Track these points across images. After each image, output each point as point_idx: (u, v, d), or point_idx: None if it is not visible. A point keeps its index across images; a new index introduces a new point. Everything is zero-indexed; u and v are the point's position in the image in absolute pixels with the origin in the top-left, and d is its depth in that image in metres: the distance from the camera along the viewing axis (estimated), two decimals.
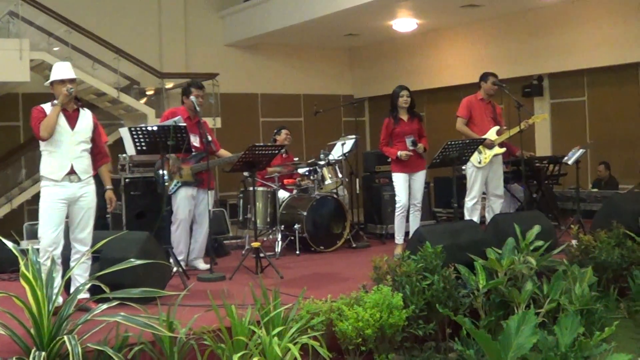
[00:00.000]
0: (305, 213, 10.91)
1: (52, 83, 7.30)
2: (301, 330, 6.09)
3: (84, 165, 7.29)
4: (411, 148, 10.13)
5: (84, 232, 7.31)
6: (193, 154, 9.43)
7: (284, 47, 20.52)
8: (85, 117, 7.41)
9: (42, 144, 7.22)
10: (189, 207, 9.58)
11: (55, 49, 15.89)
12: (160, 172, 9.21)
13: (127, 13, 18.32)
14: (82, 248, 7.26)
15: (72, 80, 7.25)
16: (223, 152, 9.87)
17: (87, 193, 7.30)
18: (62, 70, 7.29)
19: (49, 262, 6.56)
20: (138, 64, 16.68)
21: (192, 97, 9.53)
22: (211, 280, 8.80)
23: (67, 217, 7.32)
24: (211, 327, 5.99)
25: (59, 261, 6.92)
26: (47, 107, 7.23)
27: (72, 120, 7.26)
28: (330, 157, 11.81)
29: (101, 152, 7.68)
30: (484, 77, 10.54)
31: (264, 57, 20.41)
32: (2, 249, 6.60)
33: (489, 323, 7.07)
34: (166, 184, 9.25)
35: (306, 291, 6.82)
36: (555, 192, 13.64)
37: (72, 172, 7.18)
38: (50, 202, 7.13)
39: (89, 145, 7.40)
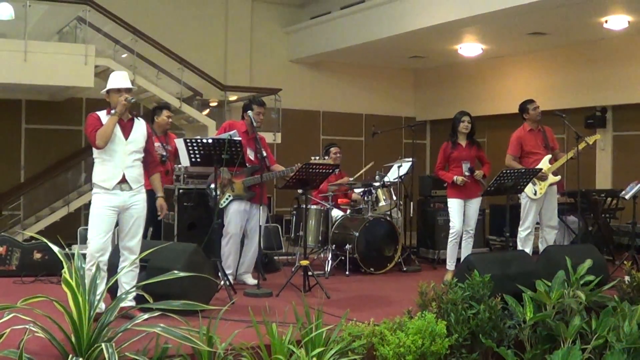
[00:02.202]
0: (357, 234, 10.87)
1: (108, 92, 7.35)
2: (341, 353, 6.03)
3: (135, 174, 7.33)
4: (467, 174, 10.06)
5: (133, 241, 7.36)
6: (245, 168, 9.44)
7: (348, 66, 20.50)
8: (140, 127, 7.45)
9: (95, 152, 7.28)
10: (241, 222, 9.58)
11: (121, 56, 16.03)
12: (212, 185, 9.25)
13: (194, 24, 18.45)
14: (130, 256, 7.29)
15: (128, 90, 7.31)
16: (276, 167, 9.86)
17: (137, 202, 7.34)
18: (119, 79, 7.34)
19: (94, 268, 6.59)
20: (202, 75, 16.74)
21: (249, 112, 9.55)
22: (257, 295, 8.80)
23: (117, 224, 7.37)
24: (250, 343, 5.97)
25: (104, 267, 6.97)
26: (102, 115, 7.28)
27: (127, 130, 7.31)
28: (386, 178, 11.77)
29: (154, 161, 7.73)
30: (523, 109, 10.43)
31: (328, 74, 20.41)
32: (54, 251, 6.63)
33: (534, 356, 6.96)
34: (218, 197, 9.28)
35: (350, 313, 6.78)
36: (612, 226, 13.42)
37: (123, 180, 7.23)
38: (101, 209, 7.18)
39: (142, 155, 7.44)
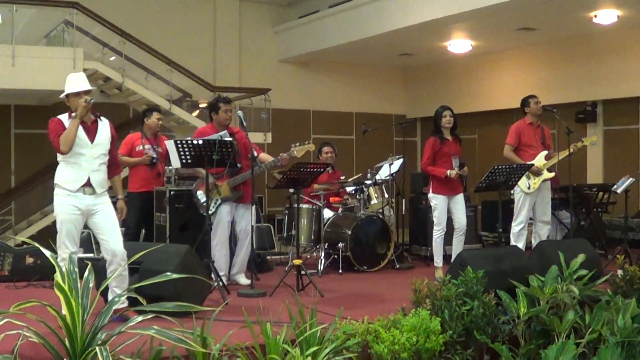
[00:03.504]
0: (349, 232, 10.88)
1: (67, 96, 7.22)
2: (336, 351, 6.02)
3: (99, 178, 7.25)
4: (456, 169, 10.06)
5: (112, 243, 7.24)
6: (226, 169, 9.35)
7: (338, 65, 20.49)
8: (104, 129, 7.36)
9: (59, 156, 7.19)
10: (228, 226, 9.57)
11: (110, 59, 16.00)
12: (199, 192, 9.26)
13: (182, 26, 18.40)
14: (114, 259, 7.20)
15: (87, 92, 7.16)
16: (264, 156, 9.79)
17: (102, 203, 7.26)
18: (76, 81, 7.23)
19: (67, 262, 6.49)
20: (191, 76, 16.72)
21: (239, 113, 9.52)
22: (251, 296, 8.79)
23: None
24: (245, 344, 5.96)
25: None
26: (64, 118, 7.18)
27: (91, 133, 7.22)
28: (377, 177, 11.77)
29: (115, 162, 7.63)
30: (525, 103, 10.49)
31: (318, 73, 20.40)
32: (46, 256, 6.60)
33: (529, 351, 6.97)
34: (204, 204, 9.28)
35: (344, 311, 6.77)
36: (604, 220, 13.44)
37: (87, 184, 7.16)
38: (66, 214, 7.14)
39: (107, 158, 7.37)
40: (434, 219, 10.28)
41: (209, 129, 9.67)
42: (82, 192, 7.15)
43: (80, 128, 7.12)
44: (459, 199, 10.27)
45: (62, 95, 7.31)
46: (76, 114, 7.07)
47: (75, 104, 7.11)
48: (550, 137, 10.57)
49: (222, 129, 9.59)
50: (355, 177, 12.93)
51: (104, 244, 7.28)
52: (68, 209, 7.13)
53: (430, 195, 10.28)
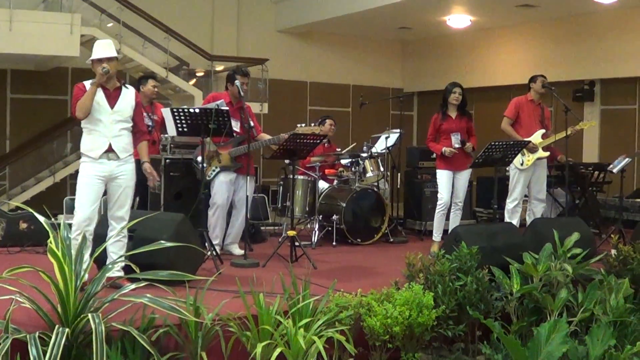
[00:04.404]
0: (344, 204, 10.87)
1: (92, 62, 7.25)
2: (328, 324, 6.04)
3: (122, 143, 7.26)
4: (457, 146, 10.04)
5: (122, 210, 7.31)
6: (232, 138, 9.40)
7: (336, 37, 20.39)
8: (127, 96, 7.35)
9: (82, 121, 7.21)
10: (227, 193, 9.58)
11: (107, 25, 15.91)
12: (199, 158, 9.23)
13: None
14: (119, 226, 7.25)
15: (110, 59, 7.17)
16: (263, 136, 9.82)
17: (125, 171, 7.29)
18: (100, 48, 7.23)
19: (80, 238, 6.55)
20: (188, 45, 16.62)
21: (236, 82, 9.50)
22: (244, 266, 8.80)
23: (105, 194, 7.32)
24: (237, 314, 5.97)
25: (90, 238, 6.91)
26: (88, 84, 7.19)
27: (113, 99, 7.22)
28: (373, 149, 11.75)
29: (140, 130, 7.63)
30: (533, 78, 10.45)
31: (316, 45, 20.31)
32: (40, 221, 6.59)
33: (521, 328, 6.98)
34: (205, 169, 9.27)
35: (337, 283, 6.80)
36: (599, 199, 13.44)
37: (110, 150, 7.16)
38: (88, 179, 7.13)
39: (129, 124, 7.37)
40: (438, 194, 10.27)
41: (223, 96, 9.69)
42: (105, 159, 7.18)
43: (102, 94, 7.16)
44: (463, 174, 10.27)
45: (87, 61, 7.34)
46: (94, 80, 7.10)
47: (96, 70, 7.13)
48: (549, 118, 10.57)
49: (235, 99, 9.59)
50: (350, 146, 12.92)
51: (113, 209, 7.30)
52: (91, 179, 7.15)
53: (437, 170, 10.31)
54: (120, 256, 6.86)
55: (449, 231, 9.15)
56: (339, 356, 6.09)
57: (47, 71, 16.77)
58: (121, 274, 6.99)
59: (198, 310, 5.77)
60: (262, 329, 5.83)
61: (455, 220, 10.23)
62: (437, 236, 10.29)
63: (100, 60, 7.14)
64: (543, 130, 10.23)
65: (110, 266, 6.22)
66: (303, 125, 9.68)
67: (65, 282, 5.39)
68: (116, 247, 7.22)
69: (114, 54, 7.26)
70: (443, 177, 10.19)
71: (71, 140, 16.29)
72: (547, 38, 17.32)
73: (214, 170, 9.49)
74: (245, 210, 9.48)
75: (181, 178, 10.12)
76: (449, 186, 10.18)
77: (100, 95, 7.13)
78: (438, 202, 10.25)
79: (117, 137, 7.22)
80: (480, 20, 17.48)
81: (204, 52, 16.90)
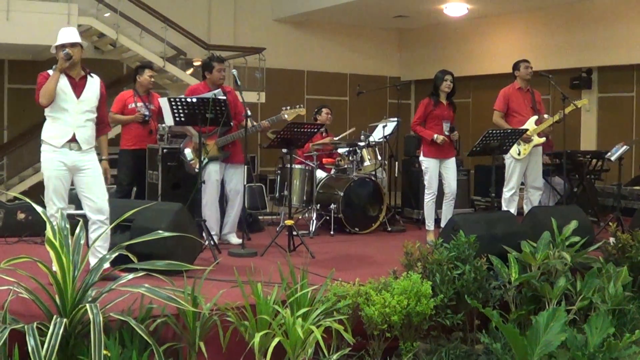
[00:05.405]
0: (342, 193, 10.85)
1: (56, 49, 7.09)
2: (326, 313, 6.03)
3: (86, 135, 7.11)
4: (447, 133, 10.02)
5: (98, 201, 7.12)
6: (215, 127, 9.28)
7: (333, 25, 20.40)
8: (93, 85, 7.22)
9: (46, 110, 7.09)
10: (217, 184, 9.52)
11: (104, 15, 15.90)
12: (186, 151, 9.21)
13: None
14: (98, 217, 7.11)
15: (74, 45, 7.03)
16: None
17: (89, 161, 7.13)
18: (64, 34, 7.08)
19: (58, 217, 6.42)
20: (185, 34, 16.64)
21: (233, 72, 9.47)
22: (242, 255, 8.77)
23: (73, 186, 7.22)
24: (235, 303, 5.96)
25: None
26: (51, 73, 7.06)
27: (79, 88, 7.09)
28: (371, 138, 11.73)
29: (103, 121, 7.49)
30: (516, 65, 10.44)
31: (312, 34, 20.31)
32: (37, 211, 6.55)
33: (519, 317, 6.97)
34: (192, 162, 9.26)
35: (335, 273, 6.78)
36: (597, 187, 13.43)
37: (73, 140, 7.03)
38: (52, 170, 7.01)
39: (94, 115, 7.23)
40: (425, 183, 10.25)
41: (202, 87, 9.62)
42: (67, 148, 7.02)
43: (68, 83, 7.03)
44: (450, 163, 10.21)
45: (51, 49, 7.17)
46: (55, 67, 6.99)
47: (59, 57, 7.01)
48: (541, 101, 10.50)
49: (215, 87, 9.52)
50: (347, 132, 12.90)
51: (88, 202, 7.11)
52: (54, 164, 7.01)
53: (422, 158, 10.24)
54: (118, 246, 6.81)
55: (444, 221, 9.16)
56: (337, 345, 6.08)
57: (45, 61, 16.70)
58: (108, 265, 6.81)
59: (196, 300, 5.76)
60: (260, 318, 5.82)
61: (448, 211, 10.12)
62: (429, 225, 10.27)
63: (63, 46, 6.98)
64: (536, 117, 10.18)
65: (108, 256, 6.16)
66: (288, 108, 9.62)
67: (63, 272, 5.37)
68: (103, 239, 6.99)
69: (78, 40, 7.08)
70: (430, 165, 10.11)
71: None
72: (545, 26, 17.32)
73: (202, 161, 9.43)
74: (239, 199, 9.48)
75: (179, 168, 10.07)
76: (437, 174, 10.13)
77: (65, 84, 7.00)
78: (426, 191, 10.21)
79: (82, 128, 7.07)
80: (477, 8, 17.47)
81: (201, 41, 16.91)
